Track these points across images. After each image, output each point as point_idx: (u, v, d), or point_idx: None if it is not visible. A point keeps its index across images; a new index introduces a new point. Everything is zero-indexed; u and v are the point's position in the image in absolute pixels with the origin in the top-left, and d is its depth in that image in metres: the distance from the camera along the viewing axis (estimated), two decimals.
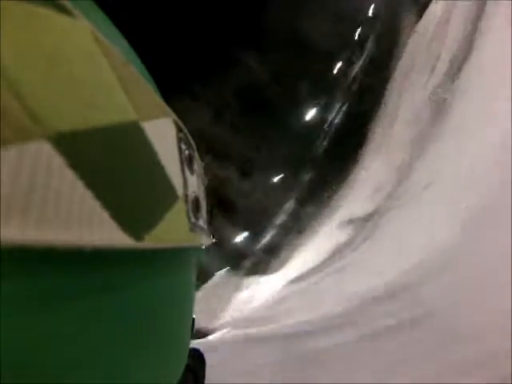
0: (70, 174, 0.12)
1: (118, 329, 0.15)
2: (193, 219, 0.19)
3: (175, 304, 0.19)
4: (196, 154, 0.26)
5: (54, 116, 0.13)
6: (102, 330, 0.15)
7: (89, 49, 0.18)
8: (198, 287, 0.25)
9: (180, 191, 0.18)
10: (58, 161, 0.12)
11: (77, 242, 0.12)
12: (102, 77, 0.18)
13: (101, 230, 0.13)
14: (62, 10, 0.17)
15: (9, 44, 0.14)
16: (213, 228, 0.28)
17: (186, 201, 0.19)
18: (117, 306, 0.15)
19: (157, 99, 0.23)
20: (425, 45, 5.48)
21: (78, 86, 0.16)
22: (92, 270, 0.14)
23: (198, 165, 0.26)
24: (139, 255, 0.15)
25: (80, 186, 0.12)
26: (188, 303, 0.21)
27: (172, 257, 0.18)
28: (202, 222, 0.21)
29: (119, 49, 0.21)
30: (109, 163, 0.14)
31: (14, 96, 0.13)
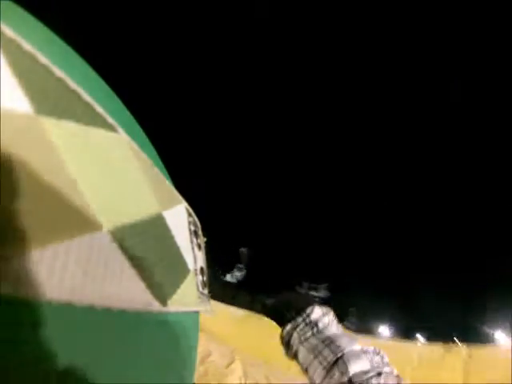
0: (121, 257, 0.18)
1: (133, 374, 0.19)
2: (200, 289, 0.24)
3: (182, 357, 0.23)
4: (201, 233, 0.32)
5: (110, 214, 0.19)
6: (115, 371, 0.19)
7: (128, 157, 0.25)
8: None
9: (191, 266, 0.24)
10: (114, 247, 0.18)
11: (122, 306, 0.17)
12: (138, 179, 0.24)
13: (140, 298, 0.17)
14: (110, 127, 0.24)
15: (74, 160, 0.20)
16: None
17: (196, 274, 0.24)
18: (139, 351, 0.19)
19: (173, 191, 0.29)
20: None
21: (123, 189, 0.22)
22: (122, 328, 0.19)
23: (202, 241, 0.31)
24: (160, 316, 0.20)
25: (128, 265, 0.18)
26: (192, 362, 0.24)
27: (183, 318, 0.22)
28: (206, 291, 0.26)
29: (144, 149, 0.28)
30: (144, 247, 0.20)
31: (82, 200, 0.19)
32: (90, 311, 0.16)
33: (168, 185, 0.28)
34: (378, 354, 0.27)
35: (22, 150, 0.16)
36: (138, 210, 0.21)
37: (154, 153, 0.34)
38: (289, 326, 0.30)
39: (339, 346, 0.27)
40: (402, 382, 0.25)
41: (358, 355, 0.26)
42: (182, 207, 0.28)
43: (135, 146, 0.27)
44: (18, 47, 0.17)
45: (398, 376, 0.25)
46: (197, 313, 0.25)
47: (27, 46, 0.17)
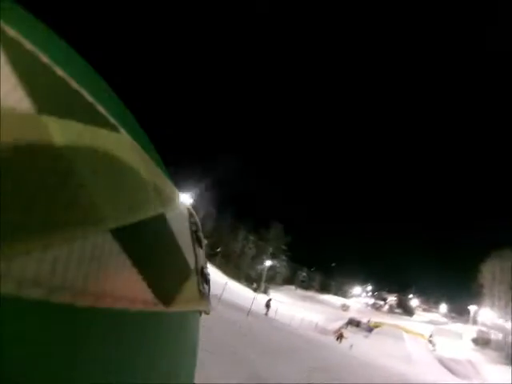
0: (123, 256, 0.18)
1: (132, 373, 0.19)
2: (202, 288, 0.24)
3: (183, 357, 0.23)
4: (201, 233, 0.31)
5: (112, 214, 0.19)
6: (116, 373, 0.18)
7: (130, 157, 0.25)
8: None
9: (192, 265, 0.24)
10: (116, 246, 0.18)
11: (123, 306, 0.17)
12: (140, 179, 0.24)
13: (142, 298, 0.17)
14: (112, 127, 0.24)
15: (76, 160, 0.20)
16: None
17: (197, 273, 0.24)
18: (135, 352, 0.19)
19: (175, 191, 0.29)
20: None
21: (125, 188, 0.22)
22: (127, 326, 0.19)
23: (202, 241, 0.31)
24: (162, 316, 0.20)
25: (129, 265, 0.18)
26: (193, 361, 0.24)
27: (185, 318, 0.22)
28: (206, 290, 0.26)
29: (146, 149, 0.28)
30: (146, 247, 0.20)
31: (84, 200, 0.19)
32: (91, 312, 0.16)
33: (170, 185, 0.28)
34: None
35: (23, 150, 0.16)
36: (140, 209, 0.21)
37: (156, 153, 0.34)
38: None
39: None
40: None
41: None
42: (184, 208, 0.28)
43: (137, 145, 0.27)
44: (19, 46, 0.17)
45: None
46: (198, 312, 0.25)
47: (28, 45, 0.17)
